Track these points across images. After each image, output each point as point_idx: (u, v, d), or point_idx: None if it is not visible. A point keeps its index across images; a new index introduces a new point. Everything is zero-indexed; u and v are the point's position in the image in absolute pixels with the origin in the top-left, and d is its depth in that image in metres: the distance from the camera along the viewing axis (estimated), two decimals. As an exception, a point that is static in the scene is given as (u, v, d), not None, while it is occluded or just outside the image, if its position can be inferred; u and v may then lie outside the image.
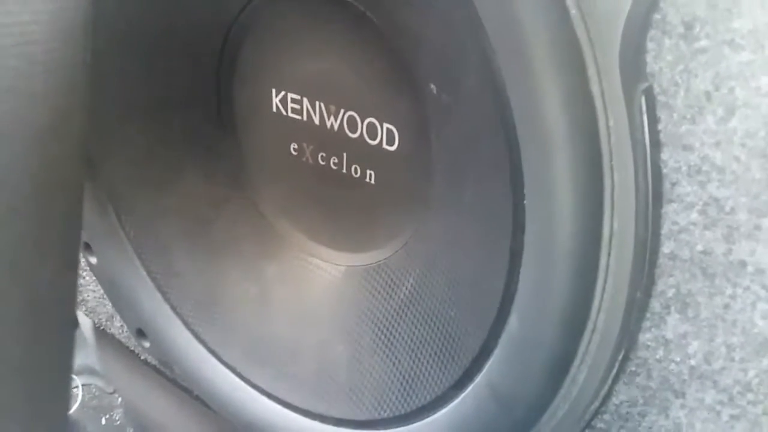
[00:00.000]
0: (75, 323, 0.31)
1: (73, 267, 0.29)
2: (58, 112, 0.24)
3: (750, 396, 0.34)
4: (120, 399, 0.84)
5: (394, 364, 0.47)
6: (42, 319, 0.27)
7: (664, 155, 0.32)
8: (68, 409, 0.31)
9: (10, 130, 0.22)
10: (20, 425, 0.27)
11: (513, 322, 0.37)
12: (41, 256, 0.26)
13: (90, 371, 0.86)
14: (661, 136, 0.32)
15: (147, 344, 0.60)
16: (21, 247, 0.24)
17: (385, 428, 0.47)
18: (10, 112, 0.22)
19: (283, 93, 0.49)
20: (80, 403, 0.85)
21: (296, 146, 0.51)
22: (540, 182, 0.33)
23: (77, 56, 0.24)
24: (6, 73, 0.21)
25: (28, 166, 0.23)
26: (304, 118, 0.49)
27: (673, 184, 0.33)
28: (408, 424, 0.46)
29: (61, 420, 0.30)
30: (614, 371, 0.38)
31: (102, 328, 0.74)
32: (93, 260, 0.59)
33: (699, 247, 0.33)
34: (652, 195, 0.33)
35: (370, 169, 0.47)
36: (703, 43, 0.29)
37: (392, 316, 0.48)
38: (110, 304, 0.63)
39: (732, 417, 0.35)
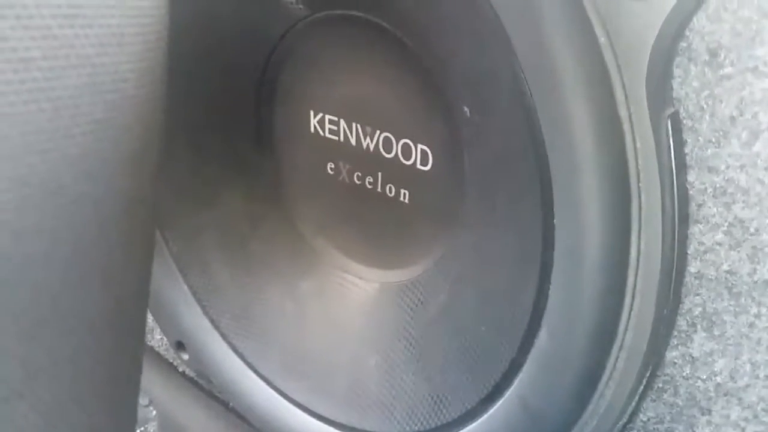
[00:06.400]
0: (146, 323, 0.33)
1: (149, 273, 0.32)
2: (144, 138, 0.26)
3: None
4: (154, 412, 0.85)
5: (425, 378, 0.47)
6: (125, 322, 0.29)
7: (690, 177, 0.33)
8: (137, 402, 0.33)
9: (109, 153, 0.24)
10: (93, 417, 0.29)
11: (542, 337, 0.38)
12: (127, 264, 0.28)
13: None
14: (688, 158, 0.33)
15: (186, 356, 0.62)
16: (111, 256, 0.27)
17: (417, 441, 0.48)
18: (108, 139, 0.24)
19: (320, 114, 0.51)
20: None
21: (333, 166, 0.52)
22: (569, 202, 0.34)
23: (158, 90, 0.27)
24: (106, 106, 0.23)
25: (120, 184, 0.25)
26: (341, 138, 0.50)
27: (699, 206, 0.33)
28: (439, 438, 0.47)
29: (131, 414, 0.32)
30: (642, 388, 0.38)
31: (142, 340, 0.76)
32: (136, 274, 0.60)
33: (724, 267, 0.34)
34: (679, 216, 0.34)
35: (405, 189, 0.48)
36: (728, 70, 0.30)
37: (424, 331, 0.48)
38: (151, 317, 0.64)
39: None
